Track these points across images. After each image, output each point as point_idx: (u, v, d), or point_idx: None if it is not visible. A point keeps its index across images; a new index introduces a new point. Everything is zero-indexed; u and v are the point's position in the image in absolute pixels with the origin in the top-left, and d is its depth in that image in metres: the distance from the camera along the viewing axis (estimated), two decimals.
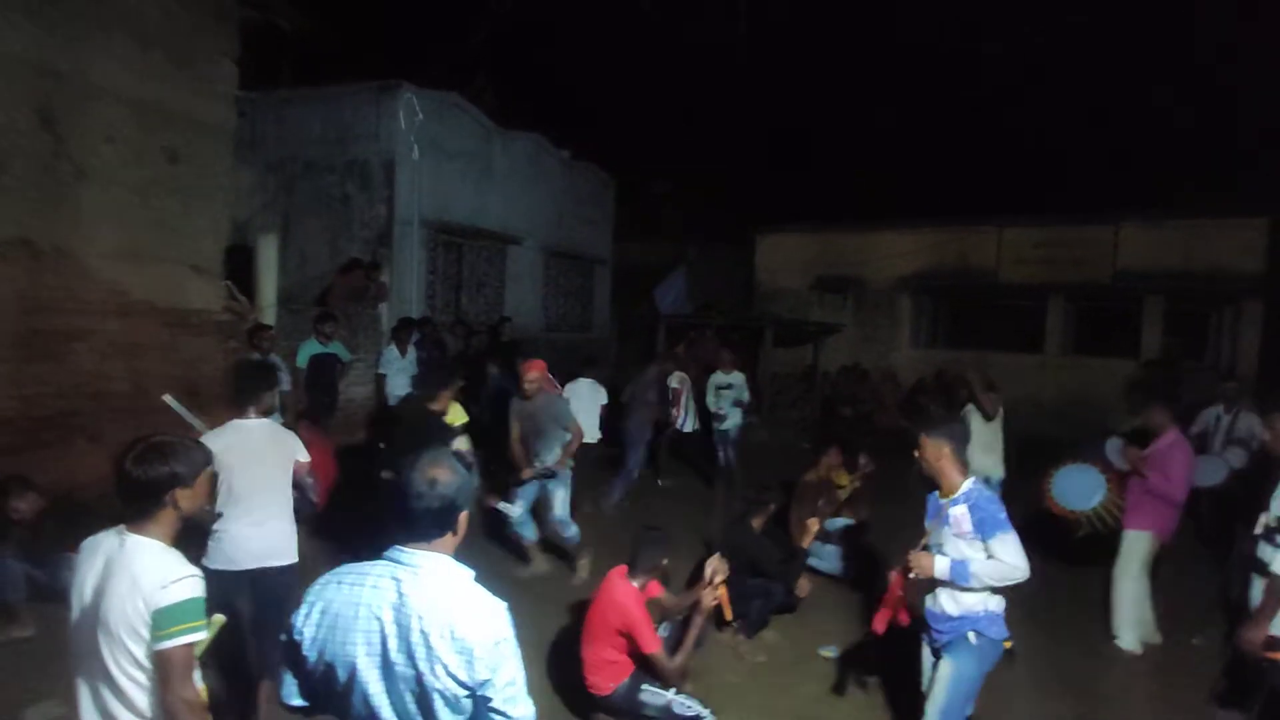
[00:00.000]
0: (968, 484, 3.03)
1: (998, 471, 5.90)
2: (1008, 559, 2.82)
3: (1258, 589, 3.20)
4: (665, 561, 3.77)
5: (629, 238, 15.12)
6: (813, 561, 5.61)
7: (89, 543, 1.97)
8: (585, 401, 7.20)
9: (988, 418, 5.93)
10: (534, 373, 5.56)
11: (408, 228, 9.71)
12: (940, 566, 2.94)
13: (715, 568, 3.84)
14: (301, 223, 9.94)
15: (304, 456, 3.36)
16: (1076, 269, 13.55)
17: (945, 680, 3.00)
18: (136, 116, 6.13)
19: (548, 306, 12.80)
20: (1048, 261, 13.75)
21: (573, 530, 5.62)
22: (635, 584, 3.61)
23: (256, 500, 3.18)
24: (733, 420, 8.32)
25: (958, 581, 2.91)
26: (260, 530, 3.19)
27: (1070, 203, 14.36)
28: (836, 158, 17.75)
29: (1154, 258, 12.91)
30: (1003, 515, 2.89)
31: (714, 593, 3.76)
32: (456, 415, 5.16)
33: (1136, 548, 4.63)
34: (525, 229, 11.76)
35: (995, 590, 2.96)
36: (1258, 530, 3.37)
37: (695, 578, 4.36)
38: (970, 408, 6.04)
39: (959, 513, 2.97)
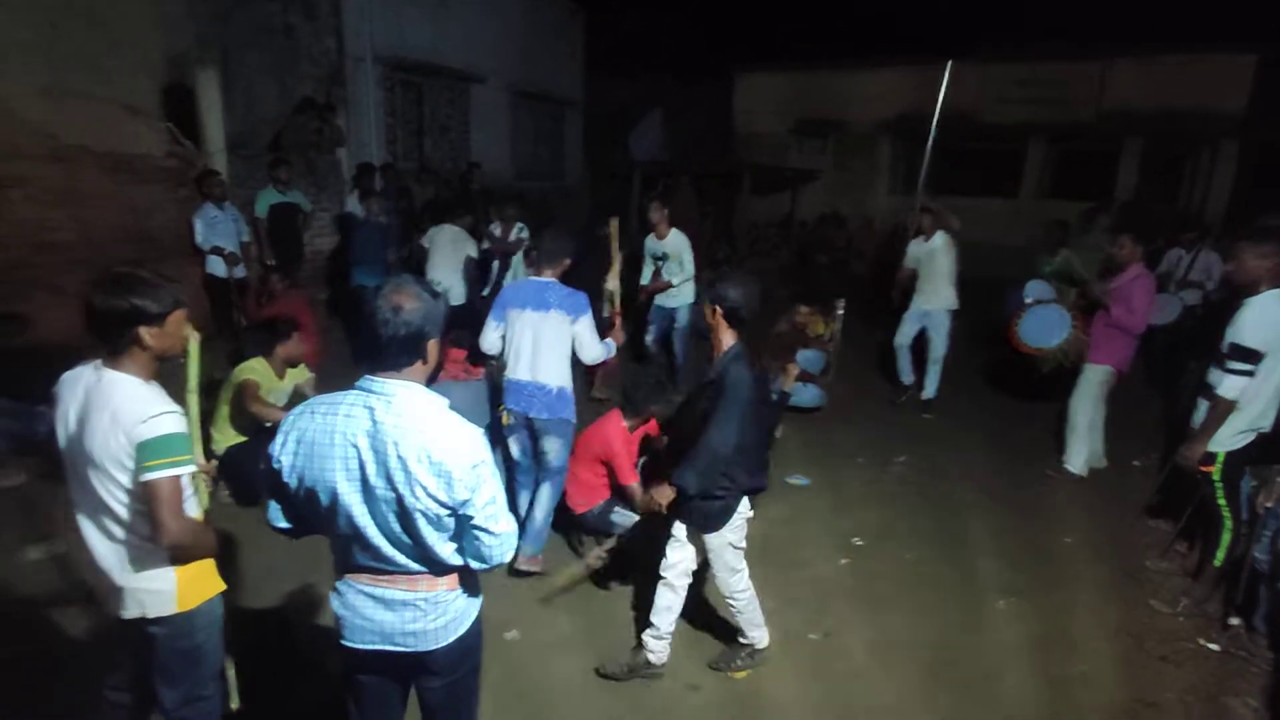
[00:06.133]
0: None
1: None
2: None
3: (1201, 412, 3.38)
4: (658, 409, 3.82)
5: (601, 78, 14.20)
6: (793, 401, 5.83)
7: (69, 375, 1.92)
8: (447, 255, 6.44)
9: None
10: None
11: (361, 64, 9.00)
12: None
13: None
14: (243, 58, 9.09)
15: None
16: (1060, 109, 13.15)
17: None
18: None
19: (516, 153, 12.19)
20: (1032, 101, 13.30)
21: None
22: (626, 424, 3.78)
23: None
24: (683, 298, 6.15)
25: None
26: None
27: (1057, 34, 13.63)
28: None
29: (1139, 96, 12.53)
30: None
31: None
32: None
33: (1095, 379, 4.84)
34: (489, 67, 10.97)
35: None
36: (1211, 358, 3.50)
37: None
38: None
39: None
